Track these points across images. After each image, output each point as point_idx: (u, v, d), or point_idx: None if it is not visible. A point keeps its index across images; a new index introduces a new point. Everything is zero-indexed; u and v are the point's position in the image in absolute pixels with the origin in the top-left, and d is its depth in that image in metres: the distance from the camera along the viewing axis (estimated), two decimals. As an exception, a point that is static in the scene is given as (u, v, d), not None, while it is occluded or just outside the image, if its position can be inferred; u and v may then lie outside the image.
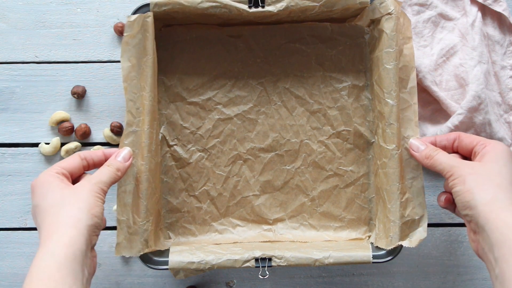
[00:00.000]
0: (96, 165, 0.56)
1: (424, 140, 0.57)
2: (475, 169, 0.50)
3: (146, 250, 0.59)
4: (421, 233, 0.60)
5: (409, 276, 0.68)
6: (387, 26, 0.59)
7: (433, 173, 0.68)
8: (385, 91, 0.59)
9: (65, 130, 0.67)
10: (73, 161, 0.54)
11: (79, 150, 0.68)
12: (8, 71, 0.68)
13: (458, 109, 0.64)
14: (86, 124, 0.67)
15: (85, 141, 0.68)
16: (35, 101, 0.68)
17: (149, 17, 0.58)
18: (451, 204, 0.56)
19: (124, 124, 0.60)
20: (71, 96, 0.68)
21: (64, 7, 0.69)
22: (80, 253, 0.47)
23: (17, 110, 0.68)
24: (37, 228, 0.50)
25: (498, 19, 0.68)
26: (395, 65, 0.58)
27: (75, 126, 0.68)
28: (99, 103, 0.69)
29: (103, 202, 0.52)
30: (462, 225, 0.69)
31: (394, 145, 0.59)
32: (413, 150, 0.58)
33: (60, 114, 0.67)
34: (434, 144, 0.57)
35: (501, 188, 0.48)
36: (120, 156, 0.56)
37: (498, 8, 0.67)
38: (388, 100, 0.59)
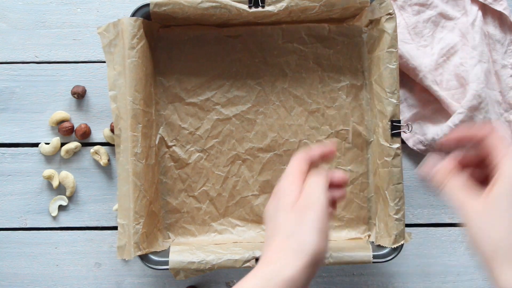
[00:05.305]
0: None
1: (438, 165, 0.49)
2: (481, 208, 0.44)
3: (139, 253, 0.58)
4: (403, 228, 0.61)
5: (409, 276, 0.68)
6: (389, 26, 0.59)
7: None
8: (387, 91, 0.60)
9: (65, 130, 0.67)
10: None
11: (79, 150, 0.68)
12: (8, 71, 0.68)
13: (458, 108, 0.64)
14: (86, 124, 0.68)
15: (85, 141, 0.68)
16: (35, 101, 0.68)
17: (123, 24, 0.58)
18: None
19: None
20: (71, 96, 0.68)
21: (64, 7, 0.69)
22: None
23: (17, 110, 0.68)
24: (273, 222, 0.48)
25: (499, 18, 0.68)
26: (397, 64, 0.59)
27: (75, 126, 0.68)
28: (99, 103, 0.69)
29: None
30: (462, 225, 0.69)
31: (398, 144, 0.59)
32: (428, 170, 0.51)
33: (60, 114, 0.68)
34: (461, 139, 0.49)
35: (505, 237, 0.43)
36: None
37: (498, 7, 0.67)
38: (392, 100, 0.59)
